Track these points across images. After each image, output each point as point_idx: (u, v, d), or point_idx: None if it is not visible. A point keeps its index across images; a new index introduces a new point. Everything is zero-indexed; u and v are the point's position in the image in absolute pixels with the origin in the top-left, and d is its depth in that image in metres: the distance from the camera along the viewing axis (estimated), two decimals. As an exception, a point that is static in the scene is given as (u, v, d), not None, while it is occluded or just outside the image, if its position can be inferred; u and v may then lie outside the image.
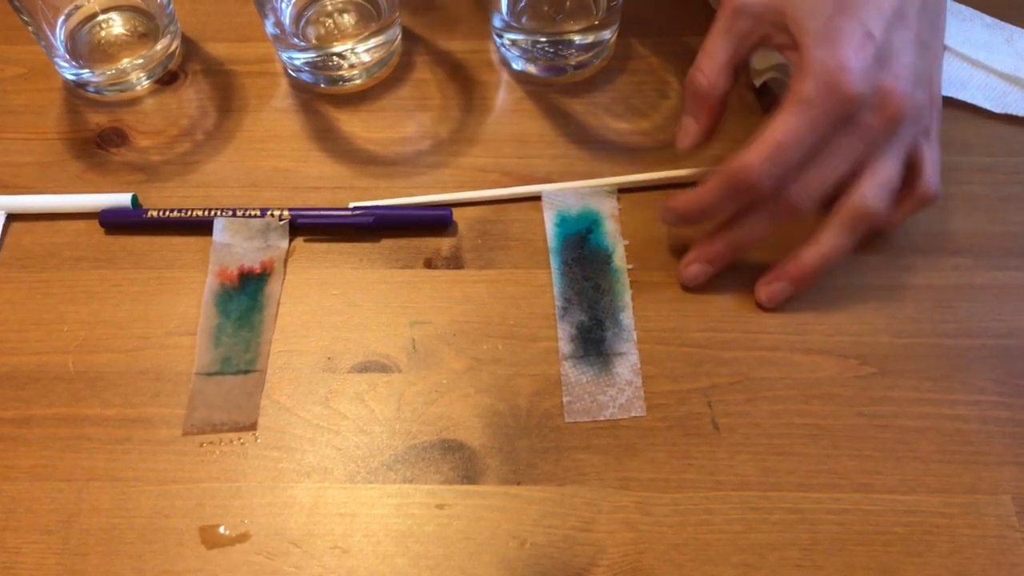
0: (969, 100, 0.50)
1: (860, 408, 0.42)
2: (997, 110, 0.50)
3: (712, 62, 0.42)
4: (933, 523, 0.39)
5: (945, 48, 0.51)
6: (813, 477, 0.40)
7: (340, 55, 0.52)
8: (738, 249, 0.44)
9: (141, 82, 0.53)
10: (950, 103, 0.50)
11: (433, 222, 0.48)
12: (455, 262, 0.47)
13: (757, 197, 0.41)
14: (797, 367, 0.43)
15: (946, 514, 0.39)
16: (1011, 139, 0.50)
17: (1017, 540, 0.39)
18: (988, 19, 0.53)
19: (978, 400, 0.42)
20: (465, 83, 0.53)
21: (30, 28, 0.50)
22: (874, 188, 0.41)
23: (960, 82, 0.51)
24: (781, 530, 0.39)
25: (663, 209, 0.44)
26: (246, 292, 0.46)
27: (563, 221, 0.47)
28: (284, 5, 0.52)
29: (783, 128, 0.39)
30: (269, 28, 0.51)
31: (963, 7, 0.53)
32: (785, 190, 0.40)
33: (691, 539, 0.39)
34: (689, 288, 0.45)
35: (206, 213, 0.47)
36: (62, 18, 0.52)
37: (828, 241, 0.42)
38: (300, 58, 0.52)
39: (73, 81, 0.53)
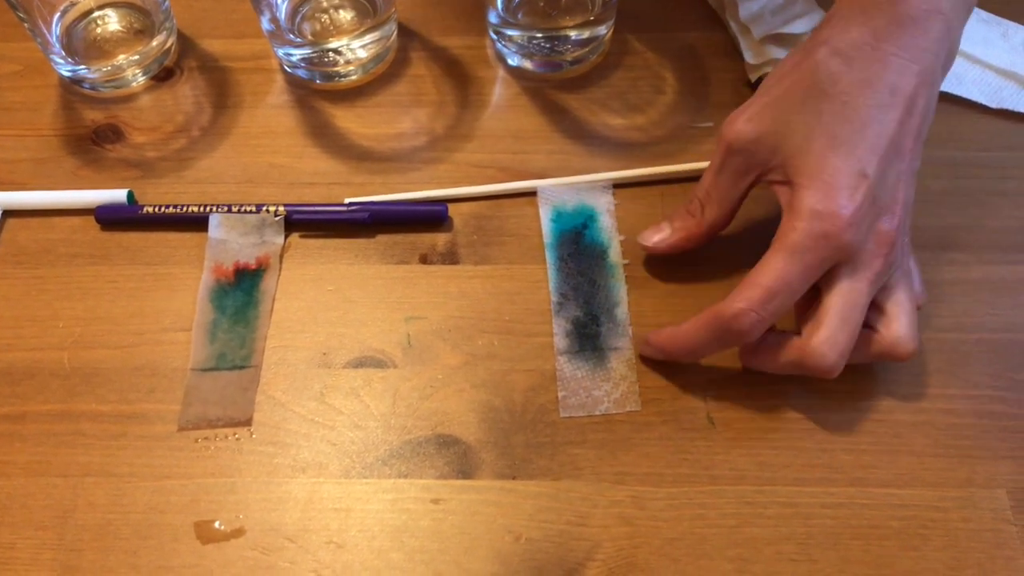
0: (965, 95, 0.50)
1: (855, 402, 0.42)
2: (993, 105, 0.50)
3: (709, 197, 0.42)
4: (928, 517, 0.39)
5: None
6: (808, 471, 0.40)
7: (336, 51, 0.52)
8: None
9: (137, 78, 0.53)
10: (945, 98, 0.50)
11: (429, 218, 0.47)
12: (451, 258, 0.47)
13: (745, 340, 0.39)
14: (792, 362, 0.43)
15: (941, 508, 0.39)
16: (1006, 134, 0.50)
17: (1012, 534, 0.39)
18: (984, 14, 0.53)
19: (973, 394, 0.42)
20: (461, 79, 0.53)
21: (26, 25, 0.50)
22: (819, 342, 0.38)
23: (956, 77, 0.51)
24: (776, 524, 0.39)
25: (643, 344, 0.43)
26: (241, 288, 0.46)
27: (559, 216, 0.47)
28: (279, 1, 0.52)
29: (773, 275, 0.38)
30: (265, 24, 0.51)
31: (959, 2, 0.53)
32: (812, 352, 0.38)
33: (686, 533, 0.39)
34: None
35: (202, 209, 0.47)
36: (58, 14, 0.52)
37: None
38: (296, 54, 0.52)
39: (69, 78, 0.53)
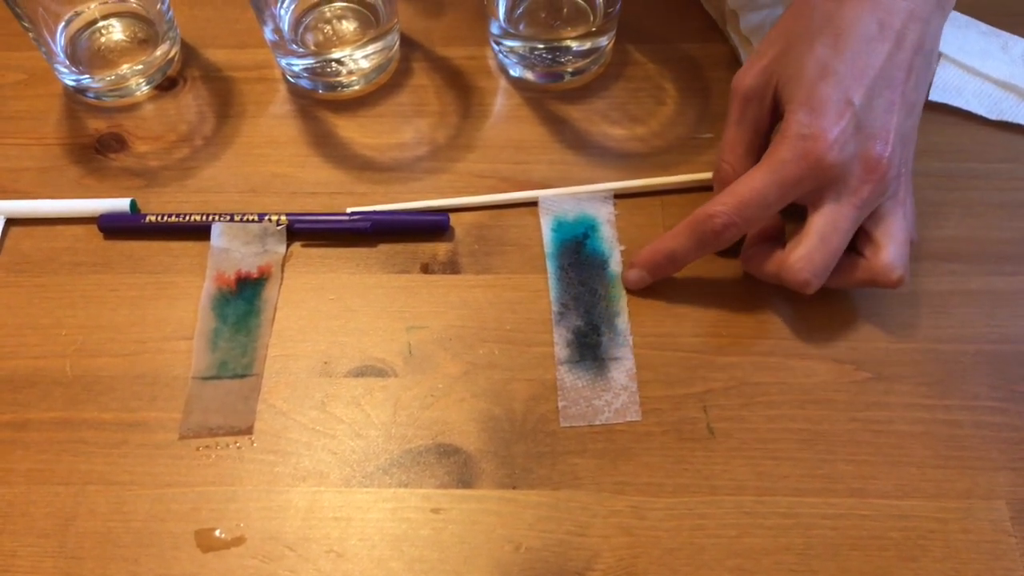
0: (964, 107, 0.51)
1: (855, 413, 0.42)
2: (992, 116, 0.50)
3: (734, 152, 0.44)
4: (928, 528, 0.39)
5: (941, 55, 0.52)
6: (808, 482, 0.40)
7: (339, 61, 0.52)
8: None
9: (140, 88, 0.54)
10: (945, 109, 0.51)
11: (430, 227, 0.48)
12: (452, 267, 0.47)
13: (720, 245, 0.42)
14: (792, 372, 0.43)
15: (941, 519, 0.39)
16: (1006, 145, 0.50)
17: (1011, 545, 0.39)
18: (984, 26, 0.53)
19: (973, 405, 0.42)
20: (463, 89, 0.53)
21: (31, 34, 0.51)
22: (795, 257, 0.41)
23: (955, 89, 0.51)
24: (776, 535, 0.39)
25: (627, 271, 0.45)
26: (243, 297, 0.46)
27: (559, 226, 0.48)
28: (283, 12, 0.52)
29: (752, 186, 0.40)
30: (268, 34, 0.51)
31: (959, 15, 0.54)
32: (790, 266, 0.41)
33: (686, 543, 0.39)
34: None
35: (204, 218, 0.47)
36: (62, 24, 0.53)
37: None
38: (299, 64, 0.52)
39: (73, 87, 0.53)
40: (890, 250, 0.41)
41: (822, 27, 0.40)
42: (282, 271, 0.47)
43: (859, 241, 0.42)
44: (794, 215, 0.43)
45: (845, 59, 0.40)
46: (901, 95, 0.40)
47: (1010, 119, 0.50)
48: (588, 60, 0.53)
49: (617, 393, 0.43)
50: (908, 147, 0.42)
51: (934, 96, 0.51)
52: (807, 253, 0.41)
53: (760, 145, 0.43)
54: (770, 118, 0.43)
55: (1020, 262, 0.46)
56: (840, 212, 0.40)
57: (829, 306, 0.45)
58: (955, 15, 0.54)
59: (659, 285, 0.46)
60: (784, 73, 0.41)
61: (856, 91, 0.39)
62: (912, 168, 0.43)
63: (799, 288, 0.41)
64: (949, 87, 0.51)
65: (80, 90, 0.53)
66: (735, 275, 0.46)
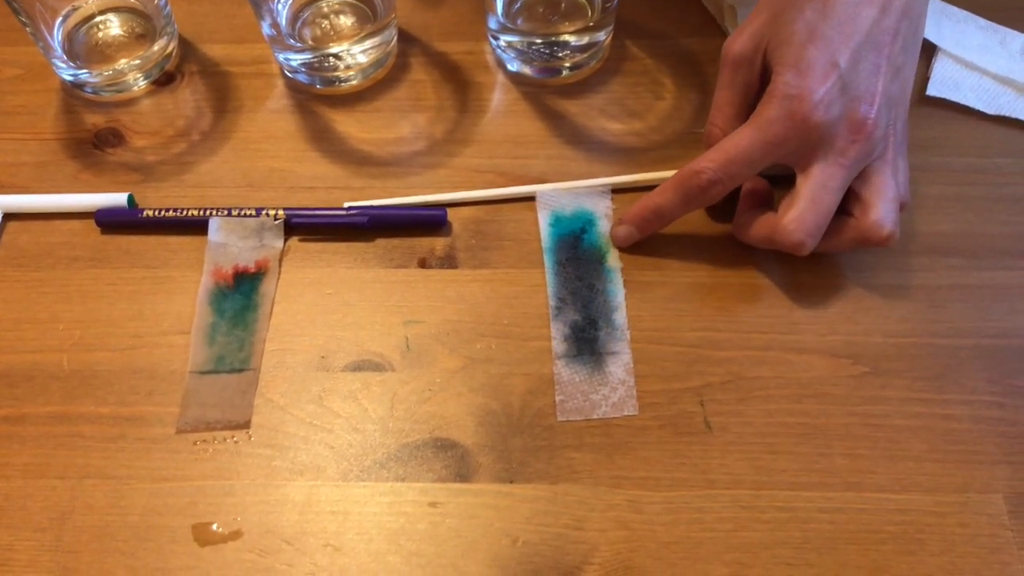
0: (962, 101, 0.51)
1: (852, 407, 0.42)
2: (990, 111, 0.50)
3: (723, 115, 0.45)
4: (925, 522, 0.39)
5: (939, 50, 0.52)
6: (805, 476, 0.40)
7: (336, 56, 0.52)
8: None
9: (138, 83, 0.53)
10: (943, 104, 0.51)
11: (428, 222, 0.48)
12: (449, 262, 0.47)
13: (706, 201, 0.44)
14: (790, 366, 0.43)
15: (938, 513, 0.39)
16: (1004, 140, 0.50)
17: (1008, 539, 0.39)
18: (982, 21, 0.53)
19: (970, 399, 0.42)
20: (460, 84, 0.53)
21: (28, 29, 0.51)
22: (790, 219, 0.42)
23: (953, 83, 0.51)
24: (773, 528, 0.39)
25: (615, 227, 0.46)
26: (241, 291, 0.46)
27: (557, 221, 0.48)
28: (280, 6, 0.52)
29: (739, 144, 0.42)
30: (265, 29, 0.51)
31: (957, 9, 0.54)
32: (783, 228, 0.42)
33: (683, 537, 0.39)
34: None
35: (201, 213, 0.47)
36: (60, 19, 0.52)
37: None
38: (296, 59, 0.52)
39: (70, 82, 0.53)
40: (879, 207, 0.42)
41: None
42: (279, 265, 0.47)
43: (848, 202, 0.43)
44: (784, 183, 0.43)
45: (832, 23, 0.41)
46: (887, 58, 0.41)
47: (1008, 114, 0.50)
48: (586, 55, 0.53)
49: (614, 387, 0.43)
50: (896, 108, 0.42)
51: (932, 91, 0.51)
52: (799, 215, 0.41)
53: (748, 108, 0.44)
54: (759, 82, 0.44)
55: (1018, 257, 0.46)
56: (828, 172, 0.41)
57: (826, 301, 0.45)
58: (953, 10, 0.54)
59: (656, 280, 0.46)
60: (774, 37, 0.42)
61: (842, 54, 0.40)
62: (906, 134, 0.44)
63: (793, 250, 0.42)
64: (947, 82, 0.51)
65: (77, 85, 0.53)
66: (733, 270, 0.46)
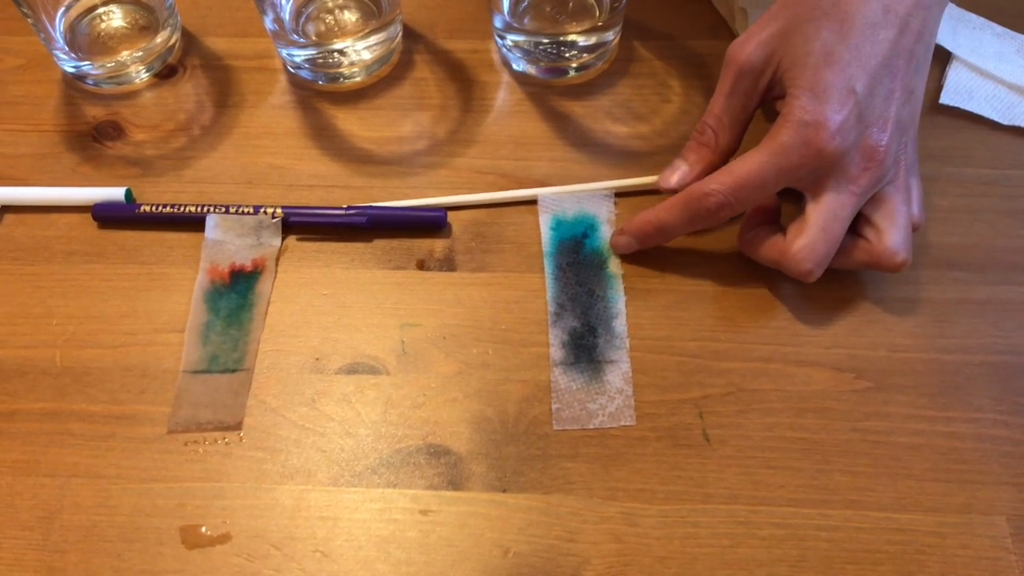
0: (976, 111, 0.49)
1: (854, 423, 0.41)
2: (1004, 122, 0.49)
3: (719, 122, 0.44)
4: (925, 542, 0.38)
5: (953, 57, 0.51)
6: (803, 492, 0.39)
7: (340, 52, 0.51)
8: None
9: (140, 75, 0.53)
10: (956, 113, 0.50)
11: (427, 223, 0.47)
12: (448, 264, 0.46)
13: (712, 223, 0.43)
14: (791, 379, 0.42)
15: (939, 534, 0.39)
16: (1017, 152, 0.49)
17: (1011, 562, 0.38)
18: (999, 28, 0.52)
19: (975, 418, 0.41)
20: (465, 83, 0.52)
21: (29, 20, 0.50)
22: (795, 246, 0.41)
23: (967, 92, 0.50)
24: (769, 545, 0.38)
25: (616, 235, 0.45)
26: (236, 290, 0.45)
27: (559, 225, 0.47)
28: (284, 1, 0.52)
29: (750, 168, 0.40)
30: (268, 24, 0.51)
31: (973, 16, 0.52)
32: (793, 256, 0.41)
33: (677, 552, 0.38)
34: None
35: (199, 209, 0.47)
36: (62, 10, 0.52)
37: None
38: (300, 55, 0.52)
39: (72, 73, 0.53)
40: (892, 234, 0.41)
41: (828, 11, 0.40)
42: (276, 265, 0.46)
43: (859, 225, 0.42)
44: (791, 195, 0.42)
45: (850, 46, 0.39)
46: (901, 82, 0.40)
47: (1023, 124, 0.49)
48: (593, 56, 0.52)
49: (612, 397, 0.42)
50: (907, 132, 0.42)
51: (945, 99, 0.50)
52: (809, 243, 0.41)
53: (746, 118, 0.43)
54: (763, 95, 0.43)
55: (1028, 272, 0.45)
56: (840, 200, 0.40)
57: (830, 313, 0.44)
58: (970, 16, 0.53)
59: (658, 288, 0.45)
60: (789, 54, 0.41)
61: (859, 79, 0.39)
62: (916, 155, 0.43)
63: (801, 277, 0.42)
64: (961, 90, 0.50)
65: (79, 77, 0.53)
66: (735, 279, 0.45)
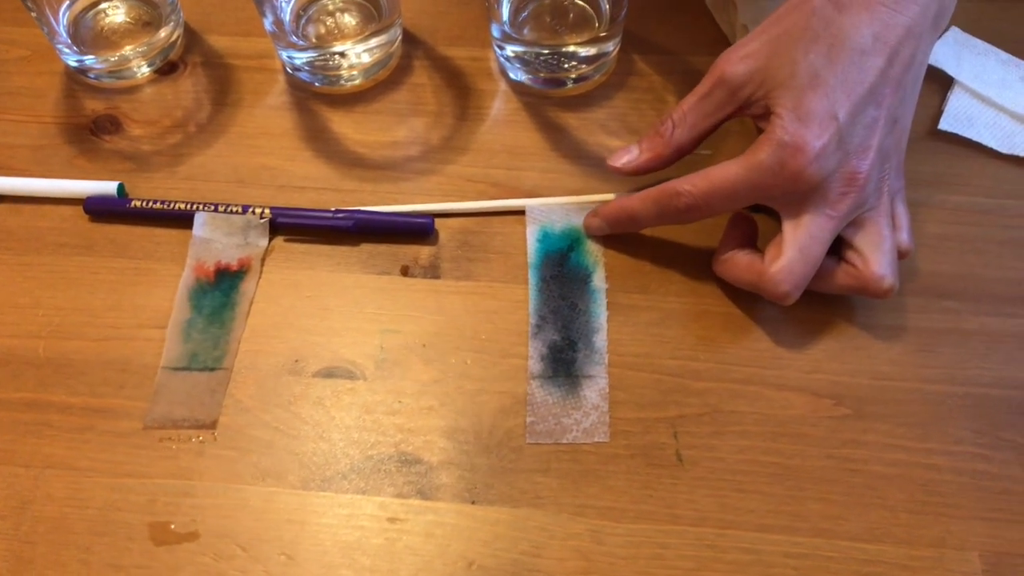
0: (975, 138, 0.49)
1: (830, 450, 0.41)
2: (1004, 150, 0.48)
3: (683, 120, 0.43)
4: (895, 575, 0.38)
5: (955, 83, 0.50)
6: (773, 518, 0.39)
7: (340, 54, 0.51)
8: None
9: (141, 70, 0.53)
10: (953, 139, 0.49)
11: (414, 230, 0.47)
12: (432, 271, 0.46)
13: (680, 222, 0.43)
14: (769, 403, 0.42)
15: (910, 567, 0.38)
16: (1015, 181, 0.48)
17: (981, 599, 0.37)
18: (1003, 55, 0.51)
19: (954, 451, 0.41)
20: (461, 90, 0.52)
21: (33, 13, 0.51)
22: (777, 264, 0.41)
23: (967, 119, 0.49)
24: (734, 570, 0.38)
25: (589, 217, 0.46)
26: (220, 288, 0.45)
27: (545, 237, 0.47)
28: (284, 3, 0.52)
29: (725, 177, 0.41)
30: (267, 26, 0.51)
31: (978, 41, 0.52)
32: (770, 278, 0.41)
33: (642, 572, 0.38)
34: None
35: (189, 206, 0.47)
36: (66, 4, 0.52)
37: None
38: (300, 58, 0.52)
39: (75, 67, 0.53)
40: (877, 259, 0.41)
41: (819, 33, 0.40)
42: (262, 265, 0.46)
43: (843, 250, 0.42)
44: (772, 217, 0.42)
45: (836, 71, 0.39)
46: (886, 111, 0.40)
47: (1022, 154, 0.48)
48: (592, 67, 0.52)
49: (587, 412, 0.42)
50: (889, 160, 0.41)
51: (944, 125, 0.49)
52: (787, 265, 0.41)
53: (711, 125, 0.43)
54: (739, 108, 0.42)
55: (1018, 304, 0.44)
56: (818, 223, 0.40)
57: (813, 337, 0.43)
58: (974, 42, 0.52)
59: (641, 304, 0.45)
60: (773, 75, 0.40)
61: (843, 106, 0.39)
62: (902, 181, 0.43)
63: (779, 300, 0.41)
64: (961, 116, 0.49)
65: (81, 70, 0.53)
66: (719, 299, 0.45)
